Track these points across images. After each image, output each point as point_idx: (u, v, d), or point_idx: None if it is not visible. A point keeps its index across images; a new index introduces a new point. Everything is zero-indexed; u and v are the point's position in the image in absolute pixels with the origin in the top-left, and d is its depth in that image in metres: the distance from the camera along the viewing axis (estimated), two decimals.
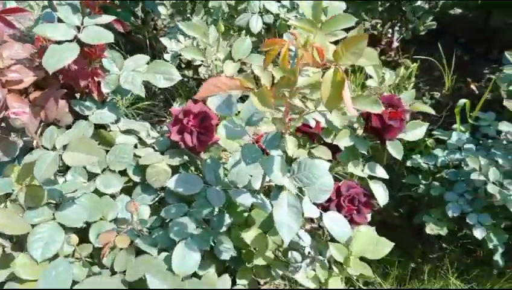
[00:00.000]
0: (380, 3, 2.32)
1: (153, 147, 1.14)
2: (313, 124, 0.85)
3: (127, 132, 1.15)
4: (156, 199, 1.10)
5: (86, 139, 0.82)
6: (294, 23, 0.71)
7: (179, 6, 2.05)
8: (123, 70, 1.13)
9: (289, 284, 1.41)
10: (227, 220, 1.08)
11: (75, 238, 0.82)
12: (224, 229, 1.07)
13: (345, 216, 0.99)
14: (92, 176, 1.06)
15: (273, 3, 1.70)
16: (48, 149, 0.86)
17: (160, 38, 1.66)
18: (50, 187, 0.91)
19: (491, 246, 1.30)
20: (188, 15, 2.09)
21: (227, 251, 1.05)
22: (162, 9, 1.88)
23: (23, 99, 0.96)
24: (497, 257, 1.34)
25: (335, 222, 0.95)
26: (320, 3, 0.77)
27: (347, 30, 0.85)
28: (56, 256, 0.85)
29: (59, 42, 0.96)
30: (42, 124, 0.98)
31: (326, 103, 0.60)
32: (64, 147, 0.85)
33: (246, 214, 1.14)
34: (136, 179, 1.08)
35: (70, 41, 0.97)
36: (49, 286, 0.72)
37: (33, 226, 0.85)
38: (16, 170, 0.89)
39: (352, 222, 1.05)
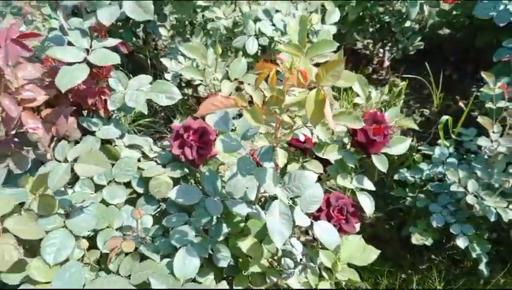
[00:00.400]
0: (370, 24, 2.43)
1: (156, 161, 1.22)
2: (302, 138, 0.93)
3: (131, 146, 1.23)
4: (158, 209, 1.17)
5: (95, 152, 0.90)
6: (282, 48, 0.80)
7: (179, 28, 2.16)
8: (128, 89, 1.22)
9: None
10: (225, 229, 1.15)
11: (85, 242, 0.89)
12: (222, 238, 1.14)
13: (334, 225, 1.07)
14: (98, 188, 1.13)
15: (267, 26, 1.80)
16: (60, 161, 0.94)
17: (161, 59, 1.76)
18: (61, 197, 0.99)
19: (474, 255, 1.37)
20: (188, 36, 2.19)
21: (224, 258, 1.12)
22: (162, 31, 1.98)
23: (36, 116, 1.04)
24: (482, 267, 1.41)
25: (325, 231, 1.02)
26: (305, 29, 0.85)
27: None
28: (66, 261, 0.93)
29: (70, 63, 1.05)
30: (55, 139, 1.06)
31: (310, 119, 0.69)
32: (75, 159, 0.93)
33: (242, 224, 1.21)
34: (140, 190, 1.15)
35: (80, 62, 1.06)
36: (63, 285, 0.79)
37: (46, 233, 0.93)
38: (30, 181, 0.97)
39: (341, 230, 1.12)
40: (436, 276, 1.51)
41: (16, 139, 1.11)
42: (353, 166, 1.15)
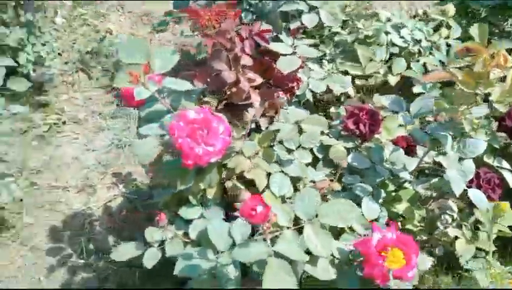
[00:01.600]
0: None
1: (328, 135, 1.53)
2: (480, 113, 1.19)
3: None
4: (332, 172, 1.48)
5: (314, 116, 1.23)
6: (470, 45, 1.09)
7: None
8: (310, 79, 1.56)
9: None
10: (383, 194, 1.43)
11: (306, 179, 1.22)
12: (380, 200, 1.43)
13: (483, 193, 1.32)
14: (288, 151, 1.46)
15: (397, 38, 2.10)
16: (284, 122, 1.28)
17: (308, 63, 2.10)
18: (277, 151, 1.32)
19: None
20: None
21: (383, 217, 1.40)
22: None
23: (256, 92, 1.39)
24: None
25: (477, 196, 1.29)
26: (484, 33, 1.14)
27: None
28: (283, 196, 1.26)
29: (283, 55, 1.40)
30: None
31: (508, 91, 0.97)
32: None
33: (393, 194, 1.49)
34: (320, 156, 1.46)
35: (290, 54, 1.40)
36: (302, 205, 1.10)
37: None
38: (258, 136, 1.31)
39: (488, 198, 1.37)
40: None
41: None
42: (497, 147, 1.40)
